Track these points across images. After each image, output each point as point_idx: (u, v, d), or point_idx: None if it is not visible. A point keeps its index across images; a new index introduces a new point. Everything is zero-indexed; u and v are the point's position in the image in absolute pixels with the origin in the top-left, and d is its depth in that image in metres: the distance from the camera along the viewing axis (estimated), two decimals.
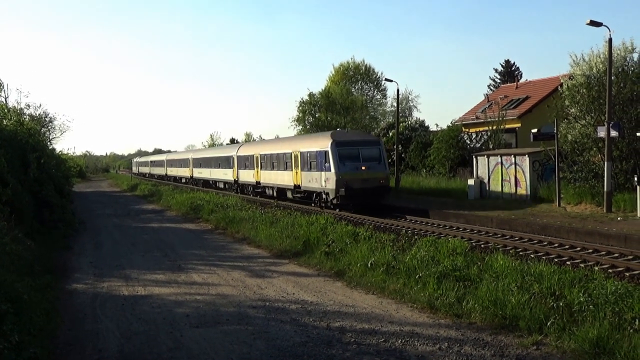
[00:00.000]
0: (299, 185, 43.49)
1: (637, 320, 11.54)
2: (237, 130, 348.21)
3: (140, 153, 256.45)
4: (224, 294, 17.19)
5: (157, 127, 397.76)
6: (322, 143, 39.51)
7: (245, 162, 55.90)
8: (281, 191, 47.82)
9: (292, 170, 44.53)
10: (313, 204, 41.66)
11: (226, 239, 29.85)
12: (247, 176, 55.50)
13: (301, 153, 42.63)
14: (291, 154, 44.51)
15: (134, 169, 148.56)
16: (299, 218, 29.62)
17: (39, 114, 77.39)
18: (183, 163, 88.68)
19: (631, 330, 11.17)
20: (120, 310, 15.90)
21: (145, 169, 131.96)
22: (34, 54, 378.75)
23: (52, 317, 14.78)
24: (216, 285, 18.48)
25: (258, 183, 52.73)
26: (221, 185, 66.96)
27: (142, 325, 14.33)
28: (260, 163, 51.82)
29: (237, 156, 58.83)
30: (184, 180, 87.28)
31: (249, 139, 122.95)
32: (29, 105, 72.39)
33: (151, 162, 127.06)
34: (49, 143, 66.50)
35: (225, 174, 63.86)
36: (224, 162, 63.94)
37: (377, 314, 14.45)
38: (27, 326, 12.47)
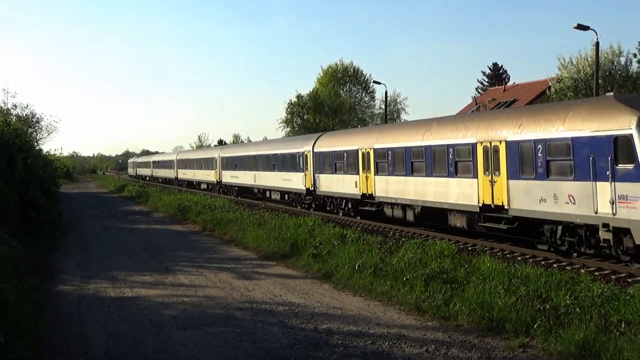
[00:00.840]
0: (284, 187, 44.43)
1: (623, 322, 11.59)
2: (225, 132, 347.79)
3: (128, 154, 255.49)
4: (211, 296, 17.16)
5: (145, 128, 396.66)
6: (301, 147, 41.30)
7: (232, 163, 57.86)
8: (266, 191, 49.36)
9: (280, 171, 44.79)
10: (299, 206, 42.39)
11: (214, 240, 29.79)
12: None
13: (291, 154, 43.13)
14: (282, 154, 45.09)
15: (130, 171, 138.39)
16: (287, 220, 29.59)
17: (26, 115, 76.82)
18: (198, 164, 73.08)
19: (617, 333, 11.22)
20: (106, 312, 15.83)
21: (144, 171, 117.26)
22: (21, 54, 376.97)
23: (38, 319, 14.72)
24: (203, 287, 18.44)
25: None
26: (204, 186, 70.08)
27: (128, 327, 14.28)
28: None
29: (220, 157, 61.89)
30: (205, 187, 70.25)
31: (236, 141, 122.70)
32: (15, 106, 71.80)
33: (155, 162, 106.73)
34: (35, 144, 66.02)
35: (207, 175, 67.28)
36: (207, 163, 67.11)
37: (365, 316, 14.45)
38: (13, 328, 12.42)
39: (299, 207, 42.02)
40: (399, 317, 14.31)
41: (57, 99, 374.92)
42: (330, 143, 37.63)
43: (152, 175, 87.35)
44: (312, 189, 39.41)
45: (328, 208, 38.12)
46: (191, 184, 76.69)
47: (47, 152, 72.64)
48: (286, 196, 45.41)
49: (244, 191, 56.10)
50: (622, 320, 11.75)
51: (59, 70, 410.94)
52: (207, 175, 66.72)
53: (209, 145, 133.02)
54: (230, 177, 58.64)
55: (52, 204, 37.26)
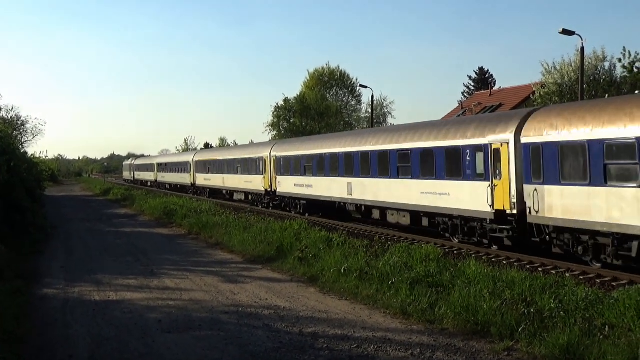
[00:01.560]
0: (269, 189, 45.06)
1: (607, 326, 11.67)
2: (212, 135, 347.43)
3: (114, 157, 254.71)
4: (197, 300, 17.12)
5: (130, 131, 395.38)
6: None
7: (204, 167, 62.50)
8: (236, 193, 53.85)
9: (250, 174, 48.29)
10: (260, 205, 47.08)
11: (199, 244, 29.72)
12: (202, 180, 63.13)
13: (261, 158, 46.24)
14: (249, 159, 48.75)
15: (126, 175, 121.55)
16: (273, 224, 29.59)
17: (11, 117, 76.54)
18: (231, 166, 54.41)
19: (601, 337, 11.29)
20: (91, 315, 15.76)
21: (146, 175, 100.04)
22: (5, 56, 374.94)
23: (22, 322, 14.65)
24: (189, 291, 18.40)
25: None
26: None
27: (113, 330, 14.22)
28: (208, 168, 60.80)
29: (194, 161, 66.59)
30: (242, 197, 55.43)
31: (222, 144, 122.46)
32: (0, 108, 71.51)
33: (161, 165, 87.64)
34: (20, 146, 65.70)
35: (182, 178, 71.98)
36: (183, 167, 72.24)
37: (350, 319, 14.46)
38: None
39: (260, 207, 46.28)
40: (385, 320, 14.33)
41: (42, 101, 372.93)
42: (284, 149, 42.75)
43: (156, 181, 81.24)
44: (272, 190, 43.76)
45: (290, 209, 41.96)
46: (218, 194, 61.16)
47: (32, 155, 72.07)
48: (249, 196, 50.94)
49: (215, 192, 60.92)
50: (606, 324, 11.84)
51: (45, 73, 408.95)
52: (248, 183, 49.51)
53: (195, 149, 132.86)
54: (204, 179, 63.07)
55: (37, 207, 37.00)
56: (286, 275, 20.54)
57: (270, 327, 14.02)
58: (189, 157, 70.53)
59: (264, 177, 44.72)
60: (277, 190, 42.66)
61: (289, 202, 41.71)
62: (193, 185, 67.69)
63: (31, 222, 31.85)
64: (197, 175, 66.06)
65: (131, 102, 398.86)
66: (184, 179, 71.21)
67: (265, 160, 44.57)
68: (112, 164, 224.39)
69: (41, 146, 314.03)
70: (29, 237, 29.74)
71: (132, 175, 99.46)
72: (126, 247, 28.98)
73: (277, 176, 42.69)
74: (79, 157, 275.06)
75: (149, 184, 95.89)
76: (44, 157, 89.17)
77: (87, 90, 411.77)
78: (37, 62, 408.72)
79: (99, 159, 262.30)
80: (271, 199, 44.30)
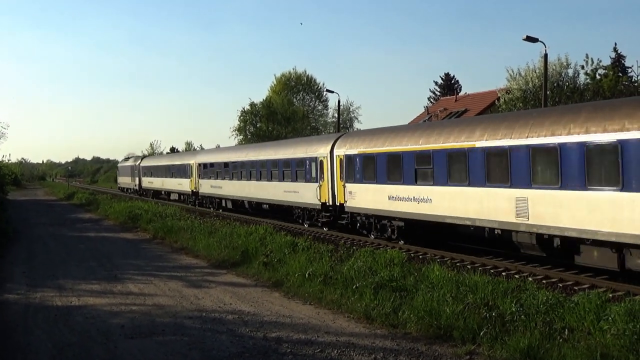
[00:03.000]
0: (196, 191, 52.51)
1: (566, 329, 11.83)
2: (178, 139, 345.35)
3: (79, 161, 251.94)
4: (160, 305, 17.02)
5: (95, 135, 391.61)
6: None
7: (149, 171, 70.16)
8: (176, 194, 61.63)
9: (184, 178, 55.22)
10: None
11: (164, 248, 29.53)
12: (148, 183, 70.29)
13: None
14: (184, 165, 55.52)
15: (124, 181, 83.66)
16: (238, 228, 29.52)
17: None
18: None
19: (561, 340, 11.45)
20: (52, 321, 15.60)
21: (154, 182, 67.26)
22: None
23: None
24: (152, 296, 18.28)
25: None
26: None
27: (75, 336, 14.09)
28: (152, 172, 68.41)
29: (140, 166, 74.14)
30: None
31: (189, 148, 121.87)
32: None
33: (213, 166, 49.19)
34: None
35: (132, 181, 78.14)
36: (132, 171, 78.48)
37: (314, 324, 14.48)
38: None
39: (189, 205, 54.04)
40: (348, 325, 14.36)
41: (6, 104, 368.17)
42: (207, 158, 50.90)
43: (196, 194, 52.26)
44: (196, 191, 52.02)
45: (209, 206, 49.96)
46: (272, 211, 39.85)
47: None
48: (181, 196, 60.14)
49: (157, 194, 68.11)
50: (565, 327, 12.00)
51: (6, 75, 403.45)
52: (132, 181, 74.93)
53: (161, 153, 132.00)
54: (148, 182, 70.98)
55: None
56: (251, 279, 20.51)
57: (234, 332, 13.99)
58: (322, 148, 32.15)
59: (191, 180, 53.43)
60: (200, 192, 51.69)
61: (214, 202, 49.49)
62: (139, 187, 75.37)
63: None
64: (144, 179, 73.44)
65: (96, 106, 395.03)
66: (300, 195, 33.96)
67: (192, 166, 53.26)
68: (77, 168, 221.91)
69: (4, 150, 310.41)
70: None
71: (137, 183, 70.30)
72: (90, 251, 28.70)
73: (201, 180, 51.16)
74: (43, 161, 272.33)
75: (174, 197, 63.18)
76: (6, 161, 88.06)
77: (51, 93, 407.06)
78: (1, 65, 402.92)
79: (63, 162, 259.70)
80: (196, 198, 52.90)
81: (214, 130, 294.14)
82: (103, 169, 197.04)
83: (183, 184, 56.31)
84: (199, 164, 51.54)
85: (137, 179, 75.20)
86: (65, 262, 25.50)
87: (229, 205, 46.53)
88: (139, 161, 76.37)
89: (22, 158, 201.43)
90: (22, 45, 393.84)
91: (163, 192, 65.95)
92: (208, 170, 49.51)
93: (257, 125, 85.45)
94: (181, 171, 56.96)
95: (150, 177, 69.60)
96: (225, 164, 45.63)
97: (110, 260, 25.79)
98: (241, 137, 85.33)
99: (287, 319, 15.06)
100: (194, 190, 52.91)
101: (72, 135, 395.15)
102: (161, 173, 64.51)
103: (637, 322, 11.35)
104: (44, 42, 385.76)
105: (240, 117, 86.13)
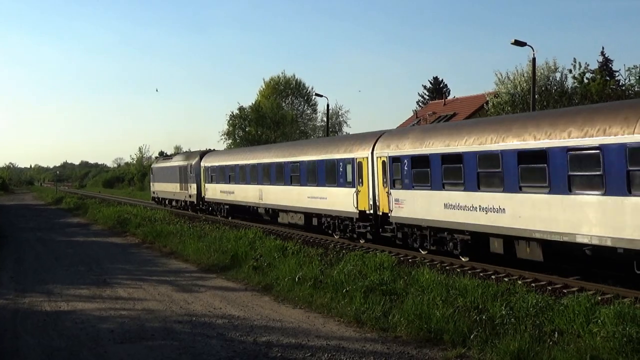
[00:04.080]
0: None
1: (556, 332, 11.86)
2: (167, 144, 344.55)
3: (67, 165, 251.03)
4: (150, 309, 16.96)
5: (83, 139, 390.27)
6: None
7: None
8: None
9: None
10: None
11: (153, 253, 29.44)
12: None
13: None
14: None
15: (160, 187, 62.83)
16: (227, 232, 29.49)
17: None
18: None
19: (550, 343, 11.48)
20: (41, 326, 15.53)
21: (225, 192, 45.73)
22: None
23: None
24: (142, 300, 18.22)
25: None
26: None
27: (64, 341, 14.03)
28: None
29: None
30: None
31: (178, 152, 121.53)
32: None
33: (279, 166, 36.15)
34: None
35: None
36: None
37: (304, 328, 14.46)
38: None
39: (190, 211, 51.87)
40: (339, 329, 14.36)
41: None
42: (214, 160, 47.62)
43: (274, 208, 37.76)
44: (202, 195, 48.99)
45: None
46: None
47: None
48: (181, 203, 55.57)
49: (238, 211, 45.64)
50: (555, 330, 12.03)
51: None
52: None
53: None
54: (220, 192, 50.45)
55: None
56: (240, 284, 20.47)
57: (224, 336, 13.95)
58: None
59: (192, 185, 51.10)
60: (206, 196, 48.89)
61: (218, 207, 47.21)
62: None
63: None
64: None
65: (84, 110, 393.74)
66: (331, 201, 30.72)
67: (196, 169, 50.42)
68: (65, 173, 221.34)
69: None
70: None
71: (194, 192, 51.22)
72: (78, 256, 28.58)
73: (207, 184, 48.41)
74: (31, 166, 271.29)
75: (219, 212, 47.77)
76: None
77: (39, 97, 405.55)
78: None
79: (51, 167, 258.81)
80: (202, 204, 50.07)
81: (203, 134, 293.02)
82: (91, 173, 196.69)
83: (188, 190, 52.31)
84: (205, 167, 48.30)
85: (192, 186, 50.57)
86: (53, 267, 25.39)
87: None
88: (197, 159, 50.27)
89: (10, 163, 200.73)
90: (9, 48, 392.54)
91: (258, 210, 39.73)
92: (219, 173, 46.51)
93: (246, 129, 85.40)
94: (176, 175, 54.53)
95: (224, 183, 45.06)
96: (238, 167, 42.07)
97: (99, 264, 25.69)
98: (230, 141, 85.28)
99: (277, 323, 15.03)
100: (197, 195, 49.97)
101: (61, 140, 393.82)
102: (254, 176, 39.32)
103: (627, 325, 11.39)
104: (32, 45, 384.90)
105: (229, 121, 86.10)
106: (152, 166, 66.94)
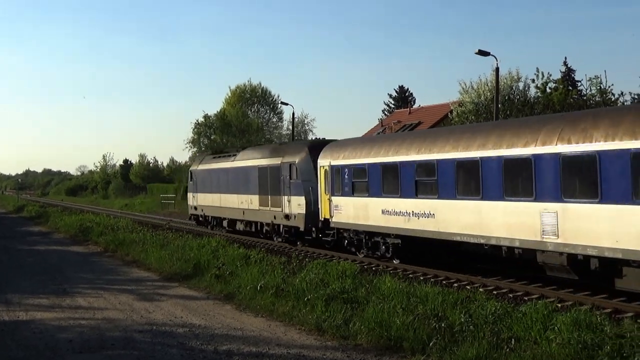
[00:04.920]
0: None
1: (513, 339, 11.99)
2: (133, 151, 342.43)
3: (29, 173, 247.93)
4: (110, 318, 16.81)
5: (46, 145, 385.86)
6: None
7: None
8: None
9: None
10: None
11: (115, 261, 29.20)
12: None
13: None
14: None
15: (208, 200, 41.61)
16: (190, 241, 29.37)
17: None
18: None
19: (507, 350, 11.59)
20: None
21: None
22: None
23: None
24: (102, 310, 18.05)
25: None
26: None
27: (21, 351, 13.85)
28: None
29: None
30: None
31: (142, 161, 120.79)
32: None
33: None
34: None
35: None
36: None
37: (265, 336, 14.44)
38: None
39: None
40: (300, 337, 14.36)
41: None
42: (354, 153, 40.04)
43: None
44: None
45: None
46: None
47: None
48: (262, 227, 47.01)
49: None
50: (512, 337, 12.17)
51: None
52: None
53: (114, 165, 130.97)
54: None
55: None
56: (202, 292, 20.39)
57: (185, 345, 13.88)
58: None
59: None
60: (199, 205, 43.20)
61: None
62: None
63: None
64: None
65: (47, 117, 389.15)
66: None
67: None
68: (27, 180, 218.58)
69: None
70: None
71: (287, 211, 30.58)
72: (39, 265, 28.26)
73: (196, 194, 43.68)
74: None
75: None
76: None
77: (2, 104, 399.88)
78: None
79: (13, 174, 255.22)
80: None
81: (168, 142, 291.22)
82: (54, 181, 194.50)
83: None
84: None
85: (294, 200, 29.73)
86: (13, 276, 25.05)
87: None
88: (303, 154, 30.02)
89: None
90: None
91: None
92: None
93: (212, 137, 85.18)
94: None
95: (388, 195, 23.54)
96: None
97: (60, 273, 25.42)
98: (195, 149, 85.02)
99: (239, 331, 14.99)
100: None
101: (23, 147, 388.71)
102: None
103: (582, 332, 11.58)
104: None
105: (194, 129, 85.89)
106: (192, 169, 44.95)
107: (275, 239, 32.50)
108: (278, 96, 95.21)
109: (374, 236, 24.32)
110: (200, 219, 43.03)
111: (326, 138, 32.57)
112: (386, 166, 23.26)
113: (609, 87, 46.90)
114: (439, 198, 20.70)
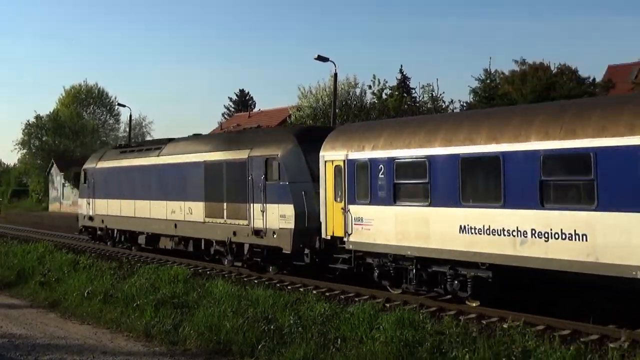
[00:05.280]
0: None
1: (339, 339, 12.19)
2: None
3: None
4: None
5: None
6: None
7: None
8: None
9: None
10: None
11: None
12: None
13: None
14: None
15: (110, 214, 31.35)
16: (14, 247, 27.99)
17: None
18: None
19: (334, 349, 11.78)
20: None
21: None
22: None
23: None
24: None
25: None
26: None
27: None
28: None
29: None
30: None
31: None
32: None
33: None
34: None
35: None
36: None
37: (91, 344, 13.94)
38: None
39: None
40: (127, 344, 13.96)
41: None
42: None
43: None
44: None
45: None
46: None
47: None
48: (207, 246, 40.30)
49: None
50: (339, 337, 12.37)
51: None
52: None
53: None
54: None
55: None
56: (25, 300, 19.48)
57: (3, 357, 13.14)
58: None
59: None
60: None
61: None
62: None
63: None
64: None
65: None
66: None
67: None
68: None
69: None
70: None
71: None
72: None
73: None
74: None
75: None
76: None
77: None
78: None
79: None
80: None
81: None
82: None
83: None
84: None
85: (276, 208, 20.53)
86: None
87: None
88: (288, 143, 21.11)
89: None
90: None
91: None
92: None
93: (43, 139, 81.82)
94: None
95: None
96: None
97: None
98: (25, 151, 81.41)
99: (62, 340, 14.39)
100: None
101: None
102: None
103: (405, 330, 11.95)
104: None
105: (24, 130, 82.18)
106: (86, 167, 34.08)
107: (227, 263, 23.45)
108: (115, 98, 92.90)
109: (432, 265, 16.26)
110: (99, 232, 32.62)
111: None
112: (471, 159, 15.19)
113: (440, 94, 49.23)
114: (598, 209, 12.70)
